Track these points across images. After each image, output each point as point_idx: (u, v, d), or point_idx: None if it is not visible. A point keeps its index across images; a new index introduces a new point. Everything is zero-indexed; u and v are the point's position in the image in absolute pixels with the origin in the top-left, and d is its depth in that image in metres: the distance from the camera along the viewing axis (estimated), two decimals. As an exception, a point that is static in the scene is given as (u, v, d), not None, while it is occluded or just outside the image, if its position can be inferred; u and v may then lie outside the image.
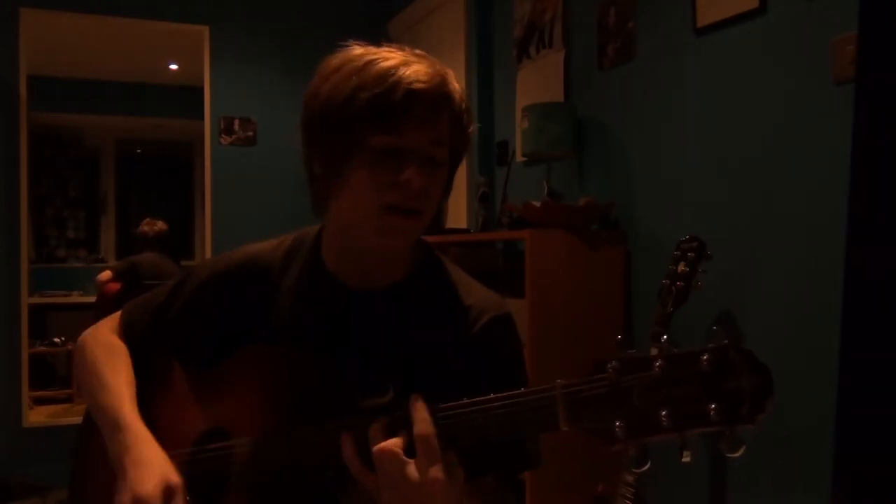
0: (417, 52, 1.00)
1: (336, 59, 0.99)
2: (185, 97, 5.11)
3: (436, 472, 0.83)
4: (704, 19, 2.16)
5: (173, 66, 5.99)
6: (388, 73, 0.94)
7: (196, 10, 4.17)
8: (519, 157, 3.04)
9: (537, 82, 3.04)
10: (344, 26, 4.02)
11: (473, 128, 1.05)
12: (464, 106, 1.01)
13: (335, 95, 0.96)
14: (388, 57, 0.96)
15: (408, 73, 0.94)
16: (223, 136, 4.21)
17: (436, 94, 0.95)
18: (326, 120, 0.97)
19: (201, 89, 4.22)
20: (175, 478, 0.96)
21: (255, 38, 4.25)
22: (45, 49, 4.62)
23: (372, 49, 0.99)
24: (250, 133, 4.24)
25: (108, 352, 1.13)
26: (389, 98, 0.93)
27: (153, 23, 4.17)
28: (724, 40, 2.11)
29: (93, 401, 1.09)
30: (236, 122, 4.22)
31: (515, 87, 3.20)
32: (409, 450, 0.85)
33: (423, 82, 0.94)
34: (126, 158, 7.18)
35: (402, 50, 0.99)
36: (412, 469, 0.84)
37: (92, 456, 1.16)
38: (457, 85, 1.00)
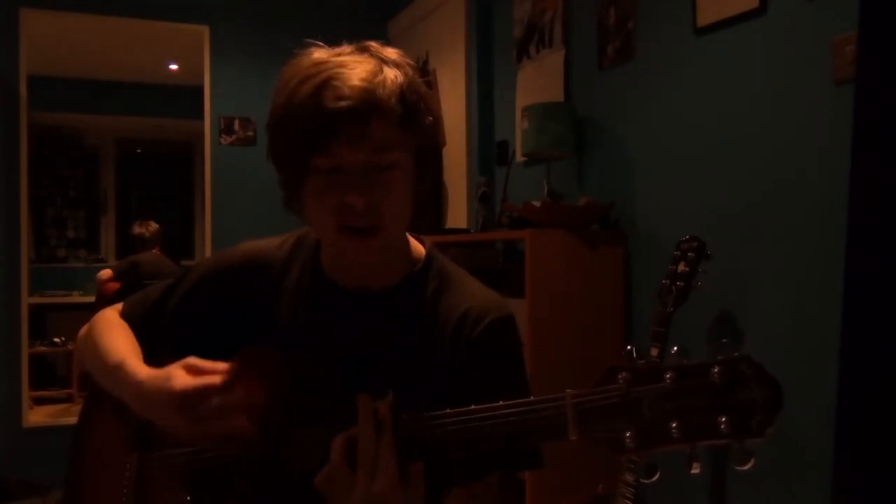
0: (362, 46, 0.99)
1: (288, 71, 0.99)
2: (185, 97, 5.11)
3: (382, 486, 0.84)
4: (704, 19, 2.16)
5: (173, 66, 5.99)
6: (315, 95, 0.93)
7: (196, 9, 4.17)
8: (519, 157, 3.04)
9: (537, 82, 3.04)
10: (344, 26, 4.01)
11: (432, 117, 1.02)
12: (407, 100, 0.96)
13: (279, 116, 0.97)
14: (321, 70, 0.95)
15: (331, 92, 0.93)
16: (223, 136, 4.21)
17: (361, 107, 0.92)
18: (275, 141, 1.00)
19: (201, 89, 4.22)
20: (189, 358, 0.96)
21: (254, 38, 4.24)
22: (45, 49, 4.61)
23: (316, 58, 0.98)
24: (250, 133, 4.24)
25: (111, 325, 1.15)
26: (316, 122, 0.93)
27: (153, 23, 4.16)
28: (724, 40, 2.11)
29: (98, 369, 1.10)
30: (236, 122, 4.22)
31: (515, 87, 3.20)
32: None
33: (347, 98, 0.92)
34: (126, 158, 7.17)
35: (349, 50, 0.99)
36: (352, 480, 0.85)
37: (88, 456, 1.16)
38: (393, 82, 0.96)
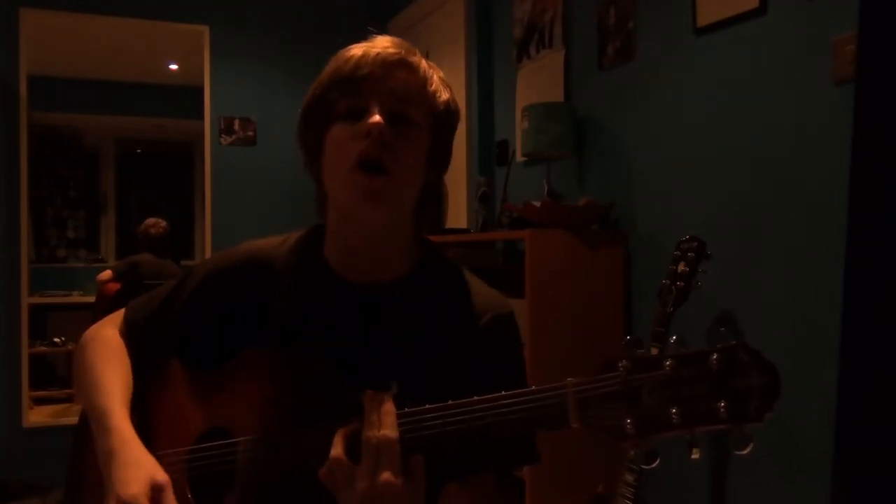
0: (404, 42, 1.05)
1: None
2: (185, 97, 5.11)
3: (386, 478, 0.84)
4: (704, 19, 2.16)
5: (173, 66, 5.99)
6: (348, 51, 1.03)
7: (196, 10, 4.17)
8: (519, 157, 3.04)
9: (537, 82, 3.04)
10: (344, 26, 4.02)
11: (452, 98, 1.07)
12: (432, 76, 1.04)
13: (314, 86, 1.05)
14: (362, 45, 1.04)
15: (364, 47, 1.03)
16: (223, 136, 4.21)
17: (386, 56, 1.01)
18: (308, 106, 1.05)
19: (201, 89, 4.22)
20: (161, 475, 0.95)
21: (254, 38, 4.25)
22: (45, 49, 4.62)
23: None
24: (250, 133, 4.24)
25: (106, 350, 1.13)
26: (345, 67, 1.01)
27: (153, 23, 4.17)
28: (724, 40, 2.11)
29: (86, 399, 1.09)
30: (236, 122, 4.23)
31: (515, 87, 3.20)
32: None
33: (377, 49, 1.02)
34: (126, 158, 7.17)
35: (392, 40, 1.05)
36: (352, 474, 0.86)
37: (88, 457, 1.16)
38: (424, 61, 1.05)
